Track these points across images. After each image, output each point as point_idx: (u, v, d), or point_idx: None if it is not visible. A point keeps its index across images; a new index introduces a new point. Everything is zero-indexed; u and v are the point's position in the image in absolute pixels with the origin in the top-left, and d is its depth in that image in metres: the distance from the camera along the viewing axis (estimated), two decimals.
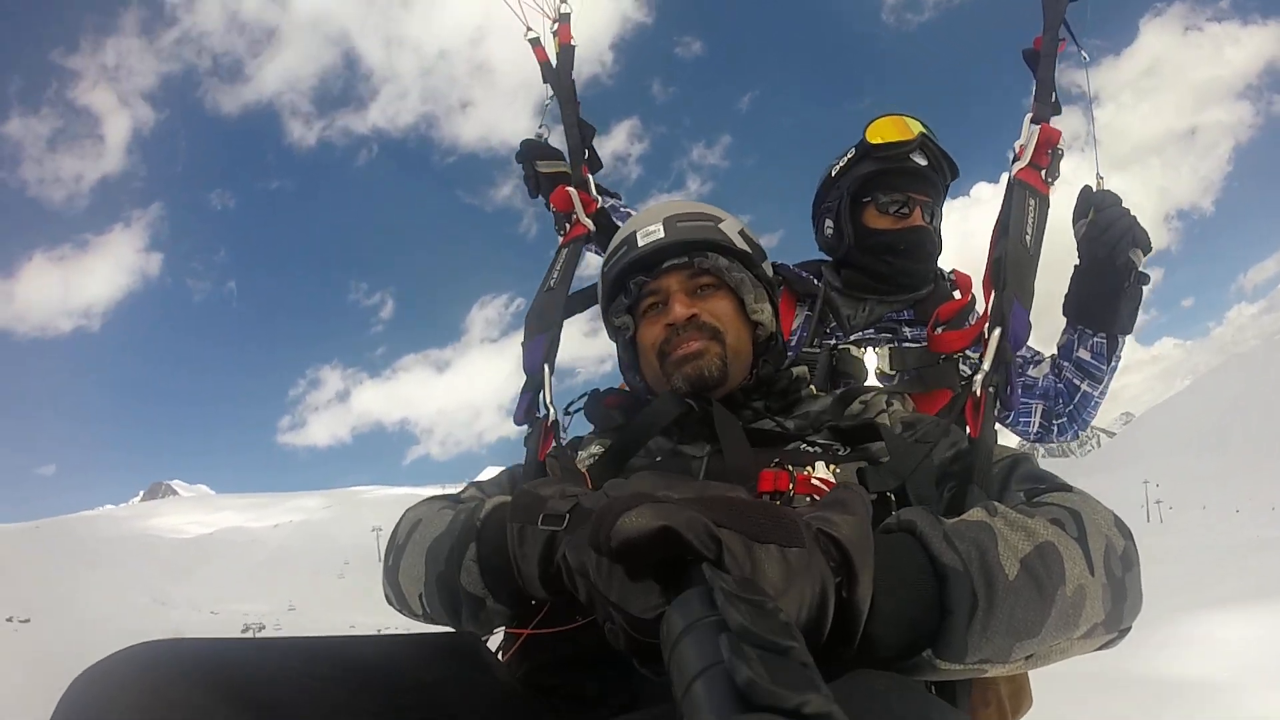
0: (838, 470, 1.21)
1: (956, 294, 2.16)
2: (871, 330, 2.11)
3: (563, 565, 0.85)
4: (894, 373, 1.93)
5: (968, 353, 1.84)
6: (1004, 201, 1.48)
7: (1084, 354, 1.94)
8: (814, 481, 1.15)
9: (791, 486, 1.14)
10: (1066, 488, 1.10)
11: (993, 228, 1.51)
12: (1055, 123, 1.54)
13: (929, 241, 2.11)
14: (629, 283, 1.50)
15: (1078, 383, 1.98)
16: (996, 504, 0.97)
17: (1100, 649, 1.01)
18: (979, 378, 1.32)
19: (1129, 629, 1.01)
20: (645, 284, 1.48)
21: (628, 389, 1.67)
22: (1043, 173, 1.49)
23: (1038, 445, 2.17)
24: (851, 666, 0.80)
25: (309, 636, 0.88)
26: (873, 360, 1.95)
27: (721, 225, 1.50)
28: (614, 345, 1.60)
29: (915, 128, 2.07)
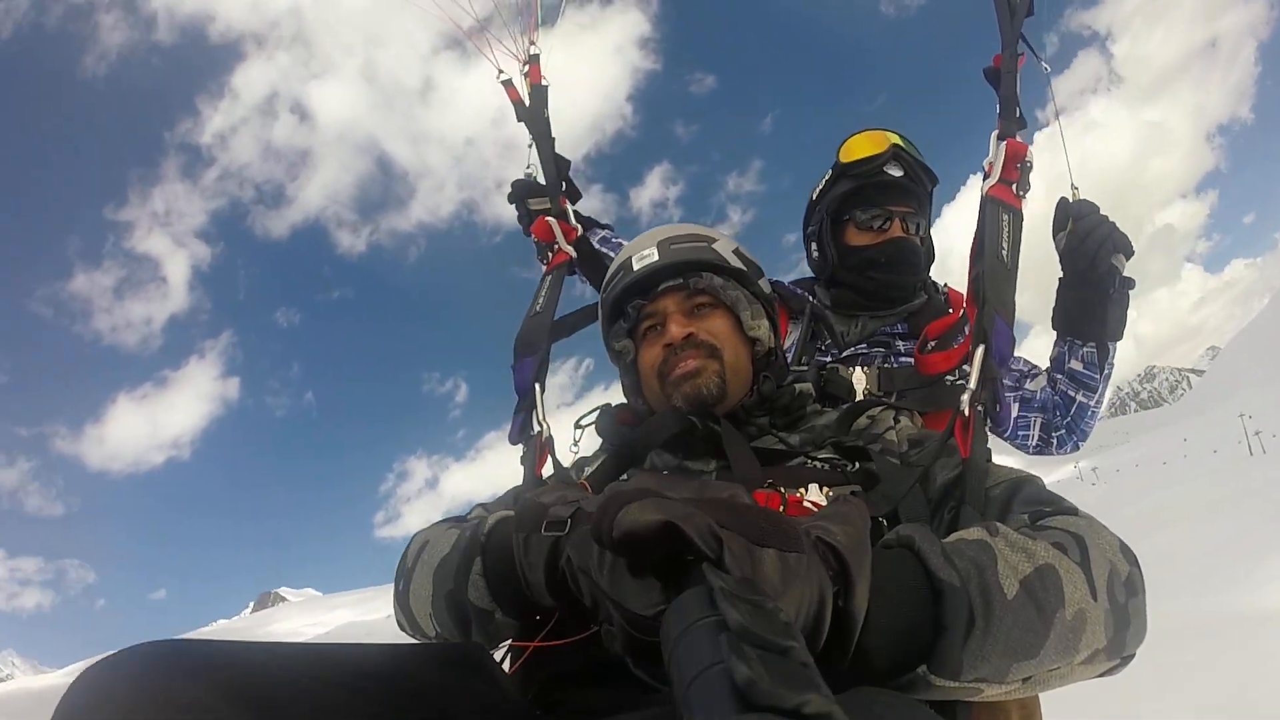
0: (830, 493, 1.23)
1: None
2: (865, 345, 2.11)
3: (566, 567, 0.86)
4: (881, 393, 1.91)
5: (966, 368, 1.78)
6: (979, 219, 1.50)
7: (1076, 365, 1.93)
8: (805, 504, 1.16)
9: (783, 509, 1.14)
10: (1073, 511, 1.10)
11: (970, 246, 1.52)
12: (1021, 136, 1.56)
13: (911, 252, 2.11)
14: (627, 306, 1.52)
15: (1072, 394, 1.97)
16: (998, 524, 0.98)
17: (1102, 675, 1.00)
18: (966, 397, 1.31)
19: (1132, 656, 1.01)
20: (643, 307, 1.51)
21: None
22: (1014, 187, 1.51)
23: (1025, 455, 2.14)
24: (846, 678, 0.80)
25: (315, 643, 0.88)
26: (860, 380, 1.93)
27: (715, 245, 1.52)
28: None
29: (888, 140, 2.09)
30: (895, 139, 2.11)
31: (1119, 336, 1.88)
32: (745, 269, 1.55)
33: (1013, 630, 0.86)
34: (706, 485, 0.88)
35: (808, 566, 0.73)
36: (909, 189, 2.10)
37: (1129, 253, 1.76)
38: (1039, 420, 2.04)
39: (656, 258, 1.49)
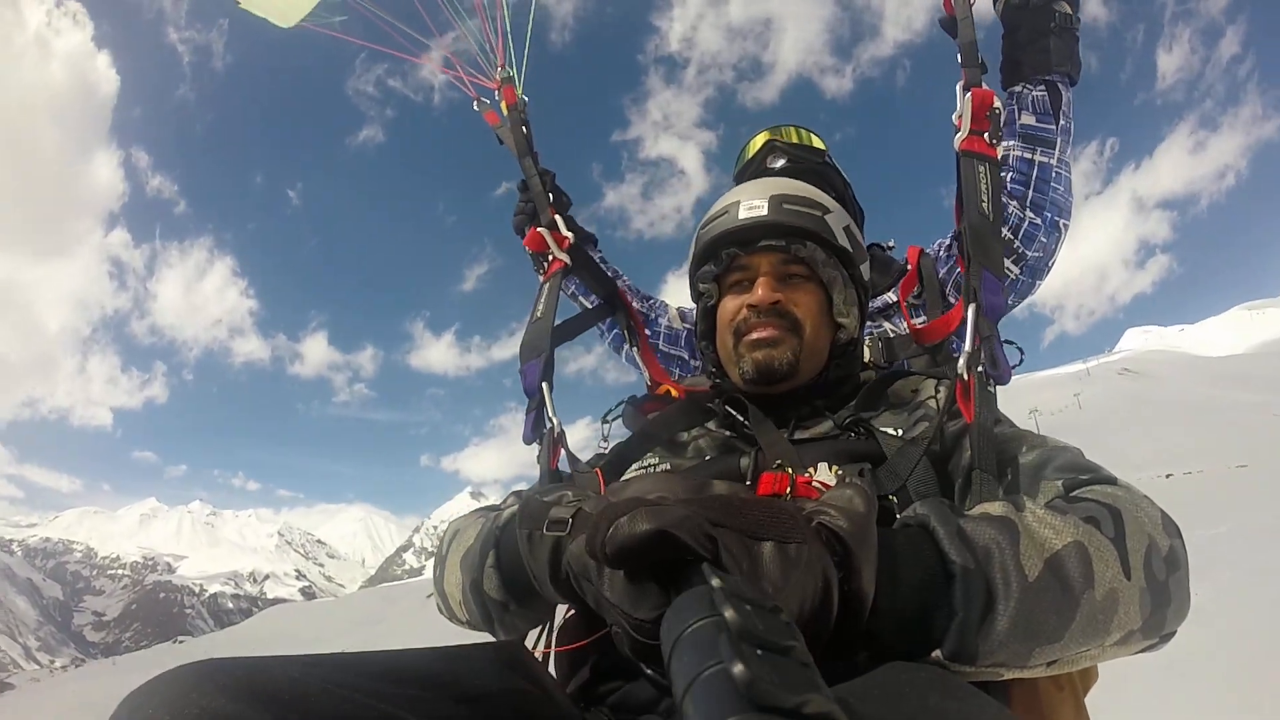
0: (839, 472, 1.15)
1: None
2: None
3: (569, 571, 0.86)
4: (885, 363, 1.82)
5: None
6: (957, 176, 1.45)
7: (1028, 119, 1.76)
8: (814, 484, 1.11)
9: (790, 490, 1.10)
10: (1111, 480, 1.05)
11: (954, 205, 1.47)
12: (986, 82, 1.50)
13: None
14: (721, 251, 1.46)
15: (1029, 156, 1.77)
16: (1025, 499, 0.94)
17: (1141, 652, 0.96)
18: (962, 360, 1.25)
19: (1173, 634, 0.96)
20: (736, 257, 1.45)
21: (665, 394, 1.72)
22: (985, 136, 1.45)
23: (1037, 280, 1.87)
24: (872, 661, 0.78)
25: (357, 652, 0.87)
26: (864, 352, 1.83)
27: (828, 217, 1.45)
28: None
29: (761, 139, 2.17)
30: (773, 133, 2.18)
31: (1067, 68, 1.71)
32: (851, 250, 1.48)
33: (1034, 613, 0.82)
34: (706, 484, 0.86)
35: (809, 555, 0.72)
36: (795, 171, 2.11)
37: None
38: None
39: (765, 212, 1.43)
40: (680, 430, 1.45)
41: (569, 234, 1.96)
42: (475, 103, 2.16)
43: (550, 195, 2.03)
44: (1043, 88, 1.73)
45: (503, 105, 2.13)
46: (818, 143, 2.23)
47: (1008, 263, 1.79)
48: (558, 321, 1.82)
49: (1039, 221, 1.78)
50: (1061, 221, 1.80)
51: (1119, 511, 0.93)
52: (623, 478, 1.37)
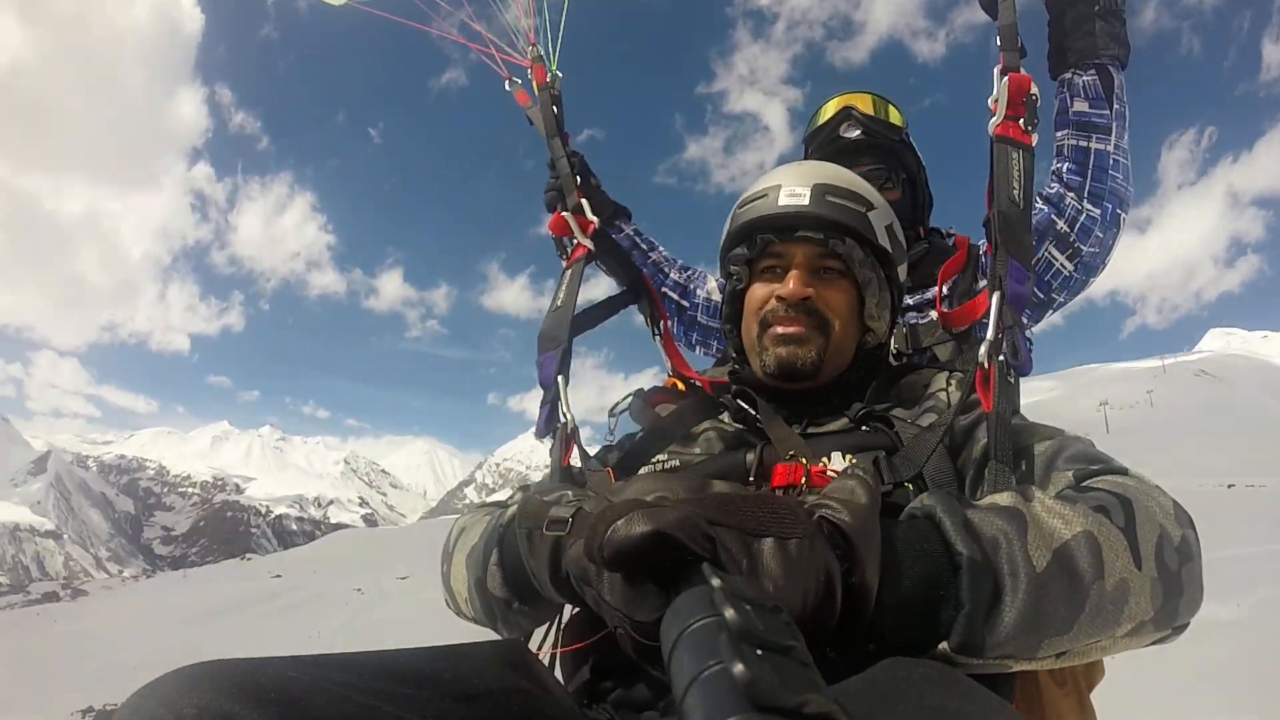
0: (854, 460, 1.19)
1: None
2: None
3: (569, 573, 0.87)
4: (910, 350, 1.82)
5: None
6: (990, 161, 1.43)
7: (1081, 105, 1.72)
8: (828, 474, 1.13)
9: (805, 480, 1.12)
10: (1123, 471, 1.04)
11: (986, 190, 1.46)
12: (1031, 71, 1.48)
13: None
14: (756, 236, 1.44)
15: (1085, 144, 1.73)
16: (1034, 489, 0.94)
17: (1153, 644, 0.95)
18: (983, 348, 1.24)
19: (1186, 625, 0.95)
20: (771, 244, 1.42)
21: (674, 387, 1.71)
22: (1020, 122, 1.42)
23: (1090, 277, 1.85)
24: (877, 655, 0.79)
25: (362, 652, 0.90)
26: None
27: (871, 214, 1.42)
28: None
29: (842, 103, 2.09)
30: (851, 99, 2.09)
31: (1115, 51, 1.69)
32: (890, 250, 1.45)
33: (1042, 604, 0.82)
34: (706, 483, 0.86)
35: (810, 551, 0.73)
36: (867, 145, 2.06)
37: None
38: (1049, 245, 1.78)
39: (806, 202, 1.40)
40: (692, 425, 1.46)
41: (594, 219, 1.94)
42: (507, 82, 2.16)
43: (578, 178, 2.01)
44: (1093, 72, 1.69)
45: (534, 85, 2.11)
46: (896, 117, 2.14)
47: (1062, 258, 1.77)
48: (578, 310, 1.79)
49: (1097, 214, 1.74)
50: (1121, 215, 1.75)
51: (1130, 501, 0.92)
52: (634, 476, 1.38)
